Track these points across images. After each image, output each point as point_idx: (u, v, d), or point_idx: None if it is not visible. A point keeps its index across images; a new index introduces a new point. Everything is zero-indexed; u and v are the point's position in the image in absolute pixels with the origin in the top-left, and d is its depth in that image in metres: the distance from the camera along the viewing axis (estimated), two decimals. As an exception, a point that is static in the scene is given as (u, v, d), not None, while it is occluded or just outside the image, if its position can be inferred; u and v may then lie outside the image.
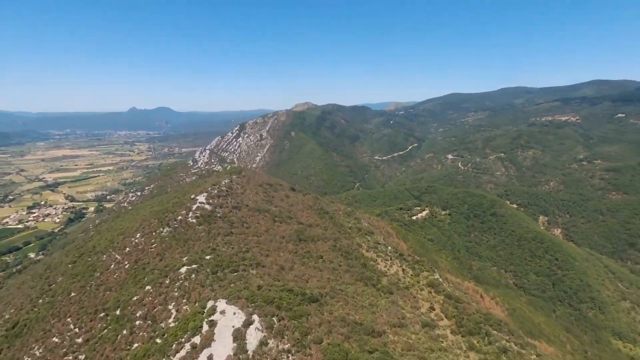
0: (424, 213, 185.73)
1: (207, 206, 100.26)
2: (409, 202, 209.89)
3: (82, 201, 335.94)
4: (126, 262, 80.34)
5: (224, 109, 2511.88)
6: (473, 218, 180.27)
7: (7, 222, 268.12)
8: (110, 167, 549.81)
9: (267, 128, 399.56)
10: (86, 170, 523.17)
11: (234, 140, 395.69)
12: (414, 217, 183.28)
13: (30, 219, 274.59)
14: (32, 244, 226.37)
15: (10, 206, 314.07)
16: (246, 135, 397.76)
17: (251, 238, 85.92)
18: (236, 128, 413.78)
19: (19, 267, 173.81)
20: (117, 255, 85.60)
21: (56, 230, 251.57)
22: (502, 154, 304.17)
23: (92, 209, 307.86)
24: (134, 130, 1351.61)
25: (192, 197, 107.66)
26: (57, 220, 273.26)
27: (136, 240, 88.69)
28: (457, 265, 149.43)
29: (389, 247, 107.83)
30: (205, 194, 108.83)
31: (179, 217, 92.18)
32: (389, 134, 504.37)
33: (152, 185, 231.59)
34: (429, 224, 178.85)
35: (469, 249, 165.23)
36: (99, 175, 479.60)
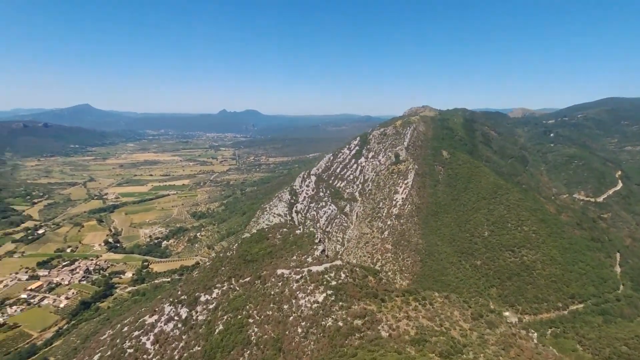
0: None
1: None
2: None
3: (123, 252, 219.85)
4: None
5: (308, 112, 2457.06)
6: None
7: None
8: (186, 181, 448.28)
9: (405, 143, 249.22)
10: (158, 184, 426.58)
11: (353, 160, 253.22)
12: None
13: (22, 295, 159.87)
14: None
15: (22, 254, 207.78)
16: (371, 153, 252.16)
17: None
18: (355, 142, 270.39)
19: None
20: None
21: (40, 342, 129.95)
22: None
23: (129, 274, 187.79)
24: (222, 132, 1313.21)
25: None
26: (62, 305, 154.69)
27: None
28: None
29: None
30: None
31: None
32: (577, 156, 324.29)
33: (215, 297, 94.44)
34: None
35: None
36: (168, 194, 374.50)
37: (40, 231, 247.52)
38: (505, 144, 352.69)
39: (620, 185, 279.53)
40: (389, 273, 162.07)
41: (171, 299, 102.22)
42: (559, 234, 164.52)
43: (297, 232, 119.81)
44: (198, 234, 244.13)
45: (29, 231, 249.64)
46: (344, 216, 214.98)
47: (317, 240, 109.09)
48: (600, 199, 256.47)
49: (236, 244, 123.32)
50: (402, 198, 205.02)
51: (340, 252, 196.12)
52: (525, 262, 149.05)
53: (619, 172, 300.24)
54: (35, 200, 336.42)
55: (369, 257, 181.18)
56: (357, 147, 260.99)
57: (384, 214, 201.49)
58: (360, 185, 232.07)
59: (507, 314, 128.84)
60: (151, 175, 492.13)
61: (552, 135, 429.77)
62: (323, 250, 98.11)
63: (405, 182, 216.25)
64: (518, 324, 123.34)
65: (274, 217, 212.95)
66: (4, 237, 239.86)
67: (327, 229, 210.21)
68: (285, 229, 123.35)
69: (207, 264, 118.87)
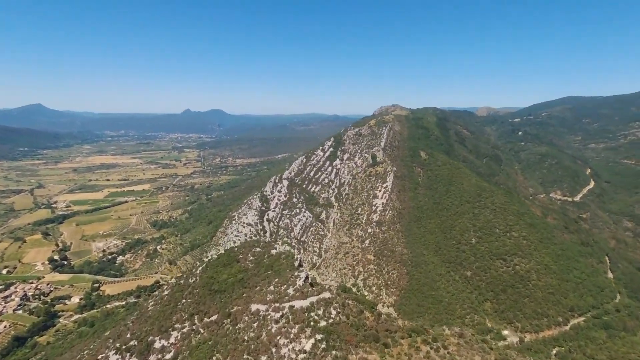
0: None
1: None
2: None
3: (71, 272, 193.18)
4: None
5: (275, 112, 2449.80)
6: None
7: None
8: (147, 186, 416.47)
9: (381, 144, 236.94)
10: (115, 190, 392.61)
11: (327, 162, 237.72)
12: None
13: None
14: None
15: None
16: (346, 155, 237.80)
17: None
18: (329, 143, 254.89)
19: None
20: None
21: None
22: None
23: (76, 298, 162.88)
24: (186, 133, 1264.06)
25: None
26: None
27: None
28: None
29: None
30: None
31: None
32: (549, 155, 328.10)
33: (172, 343, 74.59)
34: None
35: None
36: (126, 201, 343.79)
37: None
38: (478, 143, 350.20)
39: (592, 183, 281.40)
40: (374, 288, 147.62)
41: (118, 345, 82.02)
42: (549, 239, 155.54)
43: (273, 252, 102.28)
44: (158, 247, 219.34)
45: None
46: (320, 224, 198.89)
47: (297, 264, 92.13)
48: (577, 198, 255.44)
49: (200, 267, 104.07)
50: (382, 203, 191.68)
51: (318, 263, 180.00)
52: (519, 271, 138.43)
53: (589, 170, 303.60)
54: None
55: (349, 269, 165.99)
56: (331, 149, 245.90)
57: (363, 221, 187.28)
58: (336, 190, 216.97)
59: (506, 332, 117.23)
60: (108, 180, 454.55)
61: (520, 133, 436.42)
62: (306, 278, 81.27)
63: (384, 185, 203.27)
64: (520, 344, 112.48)
65: (244, 227, 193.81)
66: None
67: (302, 239, 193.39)
68: (258, 248, 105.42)
69: (165, 293, 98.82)
